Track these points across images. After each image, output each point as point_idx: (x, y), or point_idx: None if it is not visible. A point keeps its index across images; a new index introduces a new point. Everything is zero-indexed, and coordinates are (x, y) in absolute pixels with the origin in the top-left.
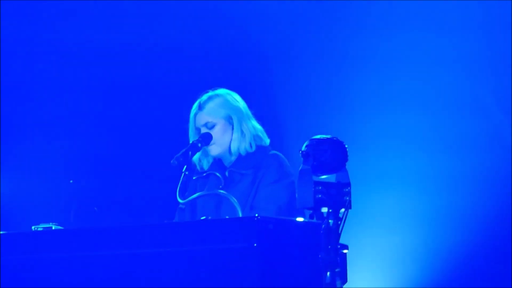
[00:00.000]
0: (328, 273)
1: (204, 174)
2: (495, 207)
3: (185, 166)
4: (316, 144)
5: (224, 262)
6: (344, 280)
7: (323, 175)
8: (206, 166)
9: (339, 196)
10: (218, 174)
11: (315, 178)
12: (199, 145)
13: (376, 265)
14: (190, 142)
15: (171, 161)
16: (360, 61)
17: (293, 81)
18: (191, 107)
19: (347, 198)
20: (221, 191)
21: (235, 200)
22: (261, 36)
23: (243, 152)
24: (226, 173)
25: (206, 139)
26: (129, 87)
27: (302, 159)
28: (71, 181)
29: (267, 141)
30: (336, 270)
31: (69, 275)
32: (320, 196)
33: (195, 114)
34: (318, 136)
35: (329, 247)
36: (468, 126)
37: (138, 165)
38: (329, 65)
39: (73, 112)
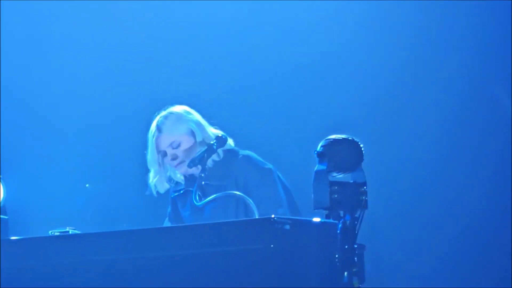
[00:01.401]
0: (346, 273)
1: (182, 192)
2: (497, 208)
3: (201, 169)
4: (331, 144)
5: (241, 263)
6: (362, 279)
7: (338, 175)
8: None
9: (355, 196)
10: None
11: (331, 178)
12: (215, 147)
13: (377, 265)
14: (149, 168)
15: (188, 164)
16: (366, 61)
17: (303, 81)
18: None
19: (364, 198)
20: (238, 192)
21: (252, 201)
22: (262, 37)
23: (210, 163)
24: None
25: (222, 141)
26: (141, 88)
27: (317, 159)
28: (87, 185)
29: (231, 143)
30: (354, 270)
31: (88, 280)
32: (336, 196)
33: (156, 138)
34: (333, 136)
35: (346, 247)
36: (474, 127)
37: None
38: (337, 65)
39: (88, 115)
